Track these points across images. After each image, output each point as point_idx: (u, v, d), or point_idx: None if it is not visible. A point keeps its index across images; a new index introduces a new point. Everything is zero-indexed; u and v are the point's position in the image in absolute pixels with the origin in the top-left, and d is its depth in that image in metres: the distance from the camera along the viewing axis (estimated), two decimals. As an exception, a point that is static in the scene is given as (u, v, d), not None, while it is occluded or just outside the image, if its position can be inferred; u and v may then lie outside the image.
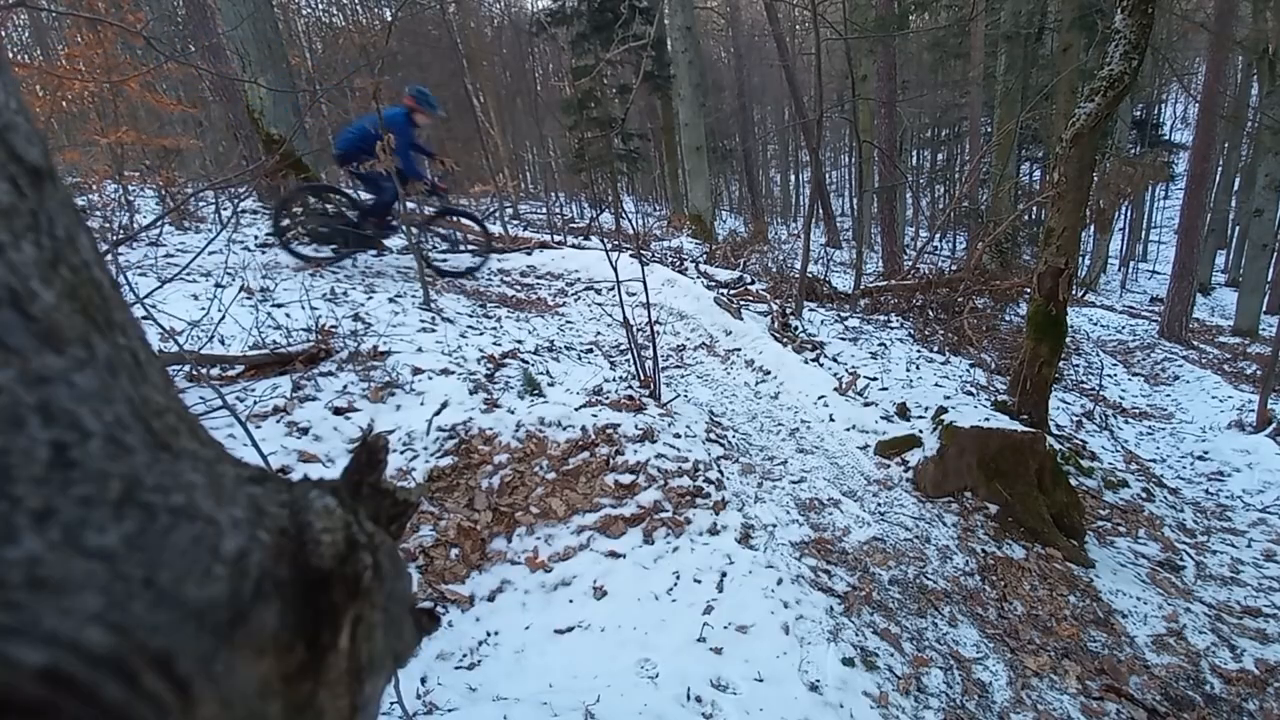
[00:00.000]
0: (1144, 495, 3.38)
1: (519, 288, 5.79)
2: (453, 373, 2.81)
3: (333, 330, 3.03)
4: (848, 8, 6.93)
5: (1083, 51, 8.81)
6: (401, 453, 2.33)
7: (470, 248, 5.22)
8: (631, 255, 4.64)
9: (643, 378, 3.34)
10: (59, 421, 0.20)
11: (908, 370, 4.22)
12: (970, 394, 3.99)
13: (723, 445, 3.01)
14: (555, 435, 2.57)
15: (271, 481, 0.28)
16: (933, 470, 2.87)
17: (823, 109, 6.12)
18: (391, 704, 1.34)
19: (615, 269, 3.33)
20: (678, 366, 4.16)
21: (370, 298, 3.76)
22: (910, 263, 7.51)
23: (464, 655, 1.80)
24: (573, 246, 7.61)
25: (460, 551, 2.12)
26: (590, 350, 4.03)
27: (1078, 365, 6.73)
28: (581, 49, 13.01)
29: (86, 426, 0.20)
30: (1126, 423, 5.48)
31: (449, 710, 1.58)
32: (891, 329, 5.17)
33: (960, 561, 2.40)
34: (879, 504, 2.76)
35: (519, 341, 3.52)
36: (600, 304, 5.28)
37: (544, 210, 14.93)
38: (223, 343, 2.82)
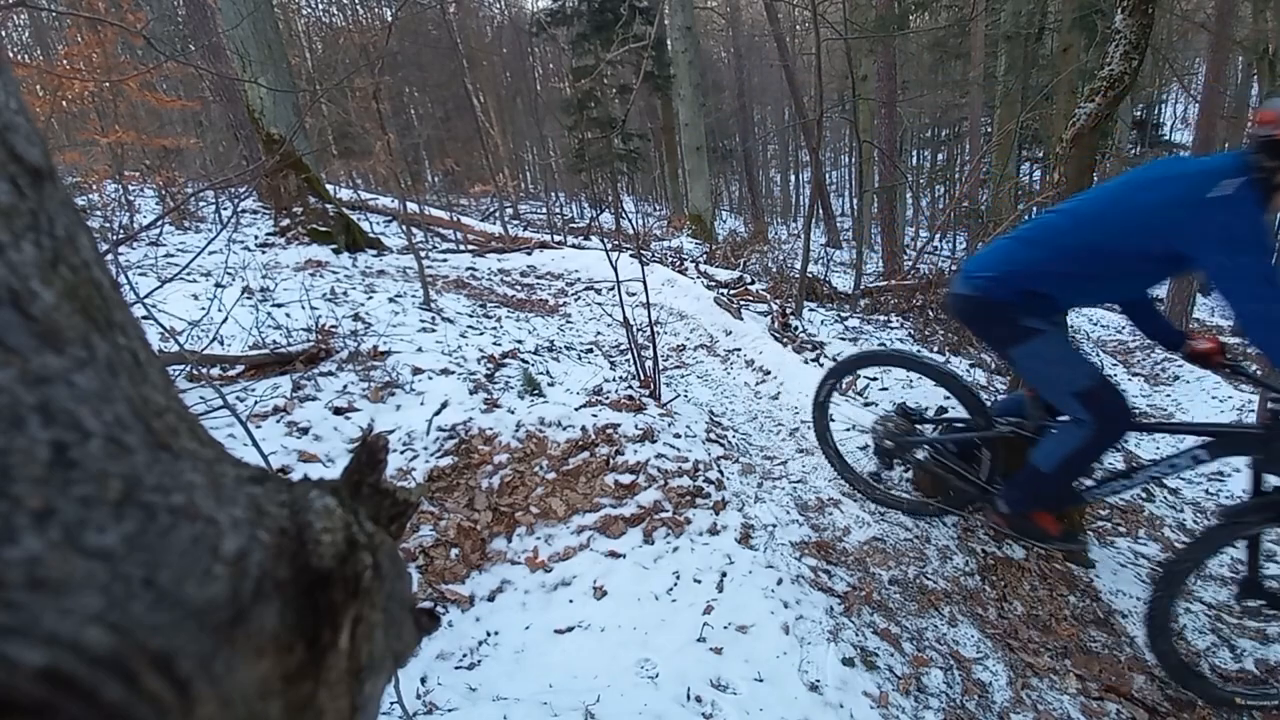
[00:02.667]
0: (1144, 495, 3.38)
1: (519, 288, 5.79)
2: (453, 373, 2.81)
3: (333, 330, 3.03)
4: (848, 8, 6.93)
5: (1083, 51, 8.80)
6: (401, 453, 2.33)
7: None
8: (631, 255, 4.65)
9: (643, 378, 3.34)
10: (59, 421, 0.20)
11: (908, 371, 4.22)
12: (970, 394, 3.98)
13: (723, 445, 3.01)
14: (555, 435, 2.57)
15: (271, 481, 0.28)
16: (933, 470, 2.87)
17: (823, 109, 6.12)
18: (391, 704, 1.34)
19: (615, 269, 3.33)
20: (678, 366, 4.16)
21: (370, 298, 3.76)
22: (910, 263, 7.51)
23: (464, 655, 1.80)
24: (573, 246, 7.62)
25: (460, 551, 2.12)
26: (590, 350, 4.03)
27: (1078, 365, 6.72)
28: (581, 49, 13.02)
29: (86, 426, 0.20)
30: (1126, 423, 5.47)
31: (449, 710, 1.58)
32: (892, 329, 5.17)
33: (960, 561, 2.40)
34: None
35: (519, 341, 3.52)
36: (600, 304, 5.28)
37: (544, 210, 14.94)
38: (222, 343, 2.82)
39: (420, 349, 2.99)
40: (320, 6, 17.80)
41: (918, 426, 2.48)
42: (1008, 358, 2.04)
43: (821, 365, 4.13)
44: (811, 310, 5.32)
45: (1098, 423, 1.85)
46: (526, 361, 3.17)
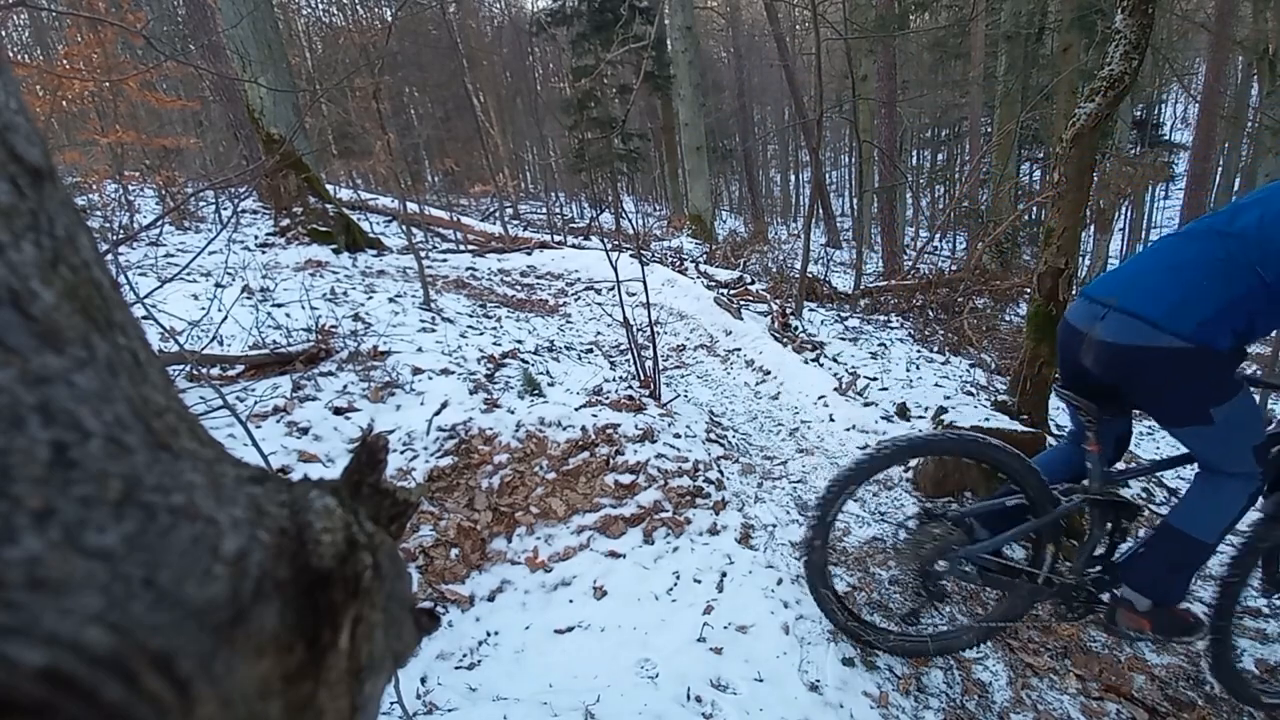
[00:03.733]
0: (1144, 495, 3.38)
1: (519, 288, 5.79)
2: (453, 373, 2.81)
3: (333, 330, 3.03)
4: (848, 8, 6.93)
5: (1083, 51, 8.80)
6: (401, 453, 2.33)
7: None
8: (631, 255, 4.65)
9: (643, 378, 3.34)
10: (59, 421, 0.20)
11: (908, 370, 4.22)
12: (970, 394, 3.98)
13: (723, 445, 3.01)
14: (555, 435, 2.57)
15: (271, 481, 0.28)
16: (933, 470, 2.87)
17: (823, 109, 6.12)
18: (391, 704, 1.34)
19: (615, 269, 3.33)
20: (678, 366, 4.16)
21: (370, 298, 3.76)
22: (910, 263, 7.51)
23: (464, 655, 1.80)
24: (573, 247, 7.63)
25: (460, 551, 2.12)
26: (590, 350, 4.02)
27: (1078, 365, 6.72)
28: (581, 49, 13.02)
29: (86, 426, 0.20)
30: (1126, 423, 5.47)
31: (449, 710, 1.58)
32: (891, 329, 5.17)
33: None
34: (879, 504, 2.76)
35: (519, 341, 3.52)
36: (600, 304, 5.29)
37: (544, 210, 14.94)
38: (222, 343, 2.83)
39: (420, 349, 2.99)
40: (320, 6, 17.80)
41: (976, 529, 1.88)
42: (1198, 419, 1.51)
43: (821, 365, 4.12)
44: (811, 310, 5.32)
45: (1265, 476, 1.57)
46: (526, 361, 3.17)
